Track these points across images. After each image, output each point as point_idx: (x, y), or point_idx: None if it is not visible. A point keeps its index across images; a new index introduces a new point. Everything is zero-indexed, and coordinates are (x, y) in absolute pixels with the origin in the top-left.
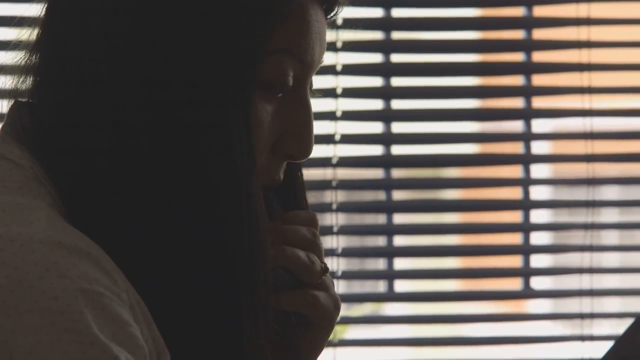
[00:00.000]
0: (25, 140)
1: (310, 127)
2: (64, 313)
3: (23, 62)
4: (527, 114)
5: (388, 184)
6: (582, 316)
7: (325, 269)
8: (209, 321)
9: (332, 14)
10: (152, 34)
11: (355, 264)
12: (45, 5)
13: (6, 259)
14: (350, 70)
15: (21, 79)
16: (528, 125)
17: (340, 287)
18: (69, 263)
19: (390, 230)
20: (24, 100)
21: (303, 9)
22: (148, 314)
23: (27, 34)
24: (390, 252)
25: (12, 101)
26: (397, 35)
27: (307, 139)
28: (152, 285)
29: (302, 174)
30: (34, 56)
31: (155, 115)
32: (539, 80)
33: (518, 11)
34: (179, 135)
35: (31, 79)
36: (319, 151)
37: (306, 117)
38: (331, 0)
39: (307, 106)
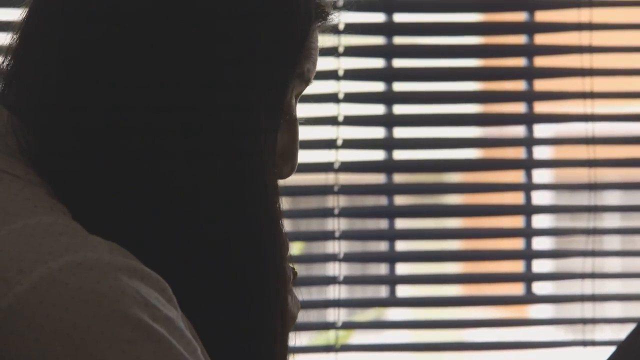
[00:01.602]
0: (20, 153)
1: (297, 147)
2: (161, 341)
3: (7, 68)
4: (529, 119)
5: (390, 189)
6: (584, 321)
7: (294, 274)
8: (245, 339)
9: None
10: (167, 42)
11: (357, 269)
12: (35, 6)
13: (94, 287)
14: (352, 75)
15: (5, 85)
16: (530, 130)
17: (342, 292)
18: (146, 291)
19: (392, 235)
20: (7, 108)
21: (312, 36)
22: (196, 334)
23: (10, 38)
24: (392, 257)
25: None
26: (399, 40)
27: (295, 159)
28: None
29: None
30: (20, 61)
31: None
32: (540, 85)
33: (520, 16)
34: (210, 158)
35: (16, 84)
36: (320, 156)
37: (296, 135)
38: (325, 17)
39: (297, 124)
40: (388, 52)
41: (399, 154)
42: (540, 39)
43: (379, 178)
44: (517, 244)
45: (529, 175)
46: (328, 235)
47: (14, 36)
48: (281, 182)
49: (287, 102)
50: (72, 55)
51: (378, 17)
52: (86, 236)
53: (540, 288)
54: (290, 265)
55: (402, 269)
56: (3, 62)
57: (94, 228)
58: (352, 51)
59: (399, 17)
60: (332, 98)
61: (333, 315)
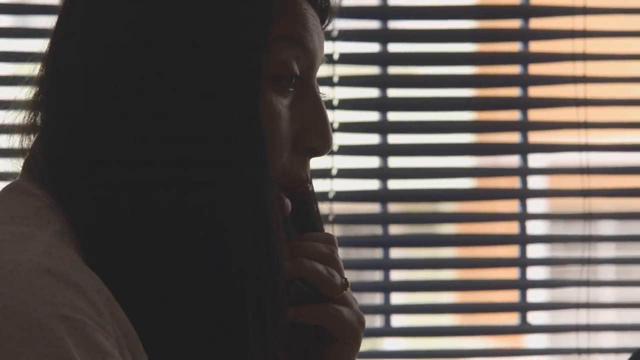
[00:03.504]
0: (38, 174)
1: (326, 118)
2: (46, 338)
3: (34, 97)
4: (524, 149)
5: (385, 219)
6: (579, 351)
7: (345, 283)
8: (215, 341)
9: (326, 24)
10: (155, 47)
11: None
12: (53, 40)
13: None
14: (347, 104)
15: (33, 114)
16: (524, 160)
17: None
18: (55, 290)
19: (387, 264)
20: (38, 134)
21: (297, 3)
22: (139, 346)
23: (36, 69)
24: (387, 287)
25: (33, 136)
26: (393, 70)
27: (325, 130)
28: (155, 310)
29: (317, 201)
30: (43, 91)
31: (167, 141)
32: (535, 115)
33: (514, 46)
34: (187, 162)
35: (42, 113)
36: (315, 186)
37: (320, 108)
38: (323, 8)
39: (319, 98)
40: (382, 81)
41: (394, 184)
42: (535, 69)
43: (373, 208)
44: (512, 273)
45: (523, 205)
46: None
47: (40, 67)
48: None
49: (285, 68)
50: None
51: (373, 47)
52: (27, 242)
53: (535, 318)
54: (340, 275)
55: (397, 298)
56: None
57: (86, 239)
58: (346, 81)
59: (394, 47)
60: None
61: None
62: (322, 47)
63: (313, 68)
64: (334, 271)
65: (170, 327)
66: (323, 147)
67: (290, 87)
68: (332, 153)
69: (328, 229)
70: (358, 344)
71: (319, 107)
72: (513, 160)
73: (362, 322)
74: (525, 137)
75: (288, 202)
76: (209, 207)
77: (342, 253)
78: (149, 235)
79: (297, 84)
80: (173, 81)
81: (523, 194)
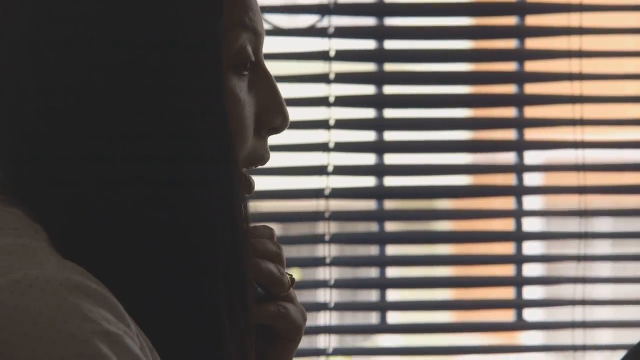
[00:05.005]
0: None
1: (280, 95)
2: (96, 357)
3: None
4: (520, 146)
5: (380, 216)
6: (574, 348)
7: (292, 280)
8: (192, 337)
9: None
10: (115, 43)
11: (347, 296)
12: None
13: (29, 305)
14: (343, 102)
15: None
16: (520, 157)
17: (333, 318)
18: (89, 306)
19: (383, 261)
20: None
21: None
22: (155, 353)
23: None
24: (383, 284)
25: None
26: (390, 67)
27: (283, 107)
28: (145, 317)
29: None
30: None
31: (132, 139)
32: (531, 112)
33: (510, 43)
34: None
35: None
36: (311, 182)
37: (274, 85)
38: None
39: (270, 76)
40: (378, 79)
41: (390, 181)
42: (531, 65)
43: (369, 204)
44: (508, 270)
45: (519, 202)
46: (319, 262)
47: None
48: (272, 209)
49: (243, 54)
50: (42, 87)
51: (369, 44)
52: (37, 256)
53: (530, 314)
54: (288, 272)
55: (392, 295)
56: None
57: (64, 246)
58: (342, 78)
59: (390, 45)
60: (323, 124)
61: (324, 341)
62: (262, 23)
63: (260, 47)
64: (282, 269)
65: (157, 326)
66: (282, 124)
67: (245, 72)
68: (329, 150)
69: (324, 226)
70: (300, 339)
71: (272, 86)
72: (509, 157)
73: (305, 317)
74: (521, 134)
75: (252, 180)
76: (178, 205)
77: (338, 250)
78: (117, 236)
79: (249, 67)
80: (134, 80)
81: (519, 191)
